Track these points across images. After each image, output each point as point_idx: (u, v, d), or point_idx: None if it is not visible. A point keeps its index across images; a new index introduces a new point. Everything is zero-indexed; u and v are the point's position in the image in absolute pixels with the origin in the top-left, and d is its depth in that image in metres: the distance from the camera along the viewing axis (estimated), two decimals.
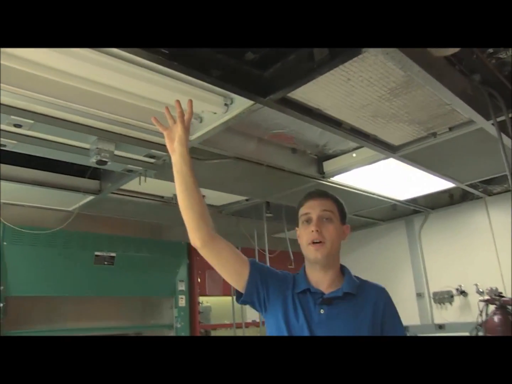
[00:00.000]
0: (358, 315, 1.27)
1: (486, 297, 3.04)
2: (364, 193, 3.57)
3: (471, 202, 4.18)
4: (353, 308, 1.29)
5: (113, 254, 3.67)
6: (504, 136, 2.34)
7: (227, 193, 3.33)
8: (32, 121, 1.85)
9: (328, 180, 3.20)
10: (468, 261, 4.04)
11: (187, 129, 1.32)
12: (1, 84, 1.62)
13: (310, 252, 1.33)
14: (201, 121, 2.21)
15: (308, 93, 1.95)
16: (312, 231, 1.32)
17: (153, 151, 2.32)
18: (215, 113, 2.12)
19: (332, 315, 1.27)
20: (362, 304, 1.30)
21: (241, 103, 1.99)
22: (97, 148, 2.03)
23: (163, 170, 2.67)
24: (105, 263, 3.62)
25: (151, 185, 3.14)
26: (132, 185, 3.07)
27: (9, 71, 1.62)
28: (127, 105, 1.96)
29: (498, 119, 2.24)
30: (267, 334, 1.35)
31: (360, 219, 4.76)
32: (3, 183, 2.73)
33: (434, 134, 2.49)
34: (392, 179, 3.44)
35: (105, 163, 2.07)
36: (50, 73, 1.69)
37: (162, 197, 3.50)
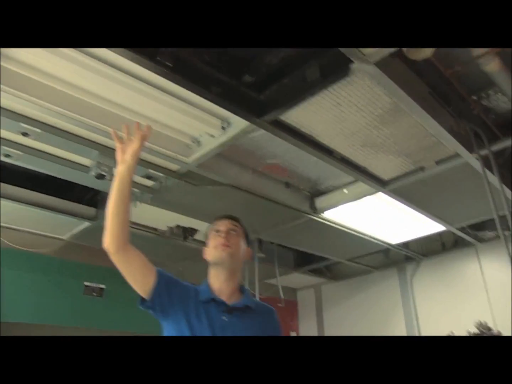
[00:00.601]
0: (254, 326, 1.46)
1: (475, 330, 3.01)
2: (356, 233, 3.62)
3: (462, 249, 4.22)
4: (250, 320, 1.46)
5: (102, 286, 3.65)
6: (490, 174, 2.45)
7: None
8: (39, 130, 1.95)
9: (320, 216, 3.26)
10: (460, 308, 4.01)
11: (141, 147, 1.45)
12: (14, 91, 1.74)
13: (217, 252, 1.49)
14: (198, 145, 2.32)
15: (301, 117, 2.08)
16: (221, 237, 1.51)
17: (151, 171, 2.41)
18: (212, 136, 2.23)
19: (233, 323, 1.42)
20: (257, 319, 1.49)
21: (237, 125, 2.11)
22: (98, 162, 2.12)
23: (159, 196, 2.74)
24: (94, 294, 3.59)
25: (145, 215, 3.21)
26: None
27: (23, 79, 1.74)
28: (129, 123, 2.07)
29: (482, 153, 2.36)
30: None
31: (354, 266, 4.77)
32: (2, 203, 2.79)
33: (422, 168, 2.60)
34: (384, 220, 3.52)
35: (103, 177, 2.15)
36: (61, 85, 1.82)
37: (156, 229, 3.54)
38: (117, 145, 1.43)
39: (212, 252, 1.52)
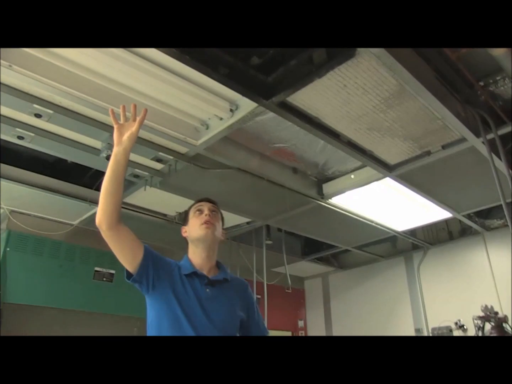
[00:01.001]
0: (232, 297, 1.62)
1: (481, 314, 3.03)
2: (363, 219, 3.64)
3: (469, 238, 4.23)
4: (229, 292, 1.61)
5: (112, 272, 3.72)
6: (496, 160, 2.45)
7: (227, 211, 3.41)
8: (51, 112, 2.00)
9: (328, 202, 3.29)
10: (467, 296, 4.03)
11: (138, 130, 1.49)
12: (27, 72, 1.78)
13: (202, 230, 1.61)
14: (207, 128, 2.36)
15: (308, 99, 2.10)
16: (206, 214, 1.64)
17: (161, 154, 2.45)
18: (221, 118, 2.27)
19: (215, 294, 1.56)
20: (234, 290, 1.65)
21: (245, 107, 2.14)
22: (108, 143, 2.16)
23: (168, 179, 2.79)
24: (104, 279, 3.66)
25: (154, 200, 3.26)
26: (136, 198, 3.20)
27: (36, 61, 1.79)
28: (139, 104, 2.10)
29: (488, 137, 2.37)
30: (152, 311, 1.53)
31: (361, 254, 4.80)
32: (14, 187, 2.86)
33: (428, 153, 2.61)
34: (391, 207, 3.54)
35: None
36: (73, 66, 1.86)
37: (165, 215, 3.59)
38: (115, 126, 1.47)
39: (195, 229, 1.63)
